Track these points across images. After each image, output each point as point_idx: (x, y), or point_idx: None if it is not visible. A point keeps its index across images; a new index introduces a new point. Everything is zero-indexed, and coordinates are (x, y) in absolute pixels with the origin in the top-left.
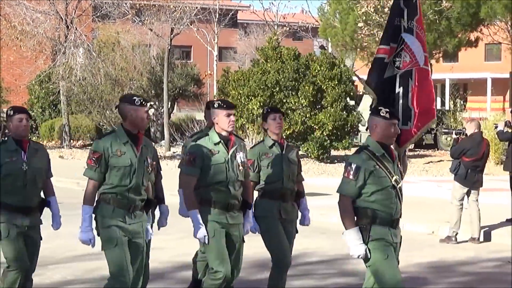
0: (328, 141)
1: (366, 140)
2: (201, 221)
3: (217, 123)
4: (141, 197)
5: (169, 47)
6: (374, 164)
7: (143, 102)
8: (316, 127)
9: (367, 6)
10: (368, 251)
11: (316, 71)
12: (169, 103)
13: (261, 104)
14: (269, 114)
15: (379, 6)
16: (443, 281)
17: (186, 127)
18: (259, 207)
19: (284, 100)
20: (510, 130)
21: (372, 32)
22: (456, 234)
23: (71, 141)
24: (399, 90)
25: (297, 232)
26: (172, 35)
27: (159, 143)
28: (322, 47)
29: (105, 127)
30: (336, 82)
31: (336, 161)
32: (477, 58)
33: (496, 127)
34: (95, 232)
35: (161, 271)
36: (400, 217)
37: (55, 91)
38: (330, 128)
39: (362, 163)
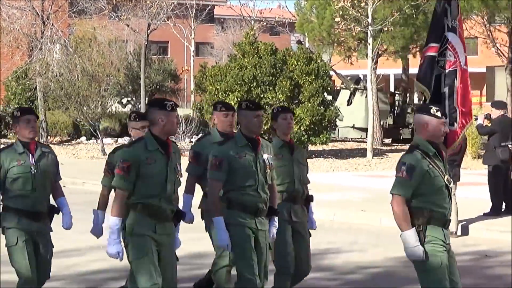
0: (306, 136)
1: (414, 139)
2: (225, 229)
3: (243, 125)
4: (172, 207)
5: (146, 43)
6: (427, 163)
7: (174, 107)
8: (294, 122)
9: (343, 1)
10: (425, 253)
11: (293, 66)
12: (146, 98)
13: (239, 99)
14: (280, 114)
15: (355, 1)
16: None
17: None
18: None
19: (262, 96)
20: (489, 124)
21: (349, 27)
22: None
23: (48, 137)
24: (444, 90)
25: (310, 235)
26: (149, 31)
27: None
28: (299, 42)
29: (82, 123)
30: (313, 77)
31: (313, 156)
32: None
33: (476, 119)
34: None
35: None
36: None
37: (32, 87)
38: (307, 123)
39: (416, 163)
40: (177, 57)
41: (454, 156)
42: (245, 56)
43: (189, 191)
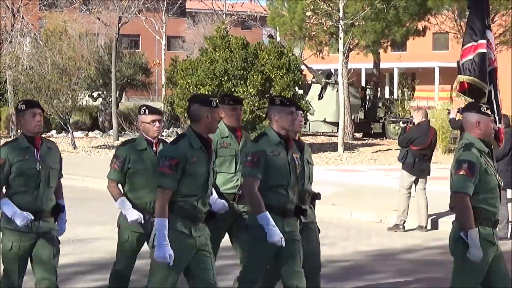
0: None
1: (466, 138)
2: (274, 224)
3: (277, 121)
4: (206, 208)
5: (117, 36)
6: (484, 161)
7: (218, 103)
8: (265, 116)
9: None
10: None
11: (265, 60)
12: (117, 92)
13: (210, 93)
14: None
15: None
16: (390, 268)
17: (135, 116)
18: None
19: (233, 89)
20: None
21: (320, 21)
22: (403, 222)
23: (18, 130)
24: (490, 87)
25: (319, 231)
26: (120, 24)
27: (107, 133)
28: (270, 36)
29: (52, 116)
30: (285, 71)
31: None
32: (425, 48)
33: (449, 113)
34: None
35: (108, 261)
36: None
37: (1, 80)
38: None
39: (476, 160)
40: (148, 51)
41: (424, 151)
42: (216, 50)
43: None
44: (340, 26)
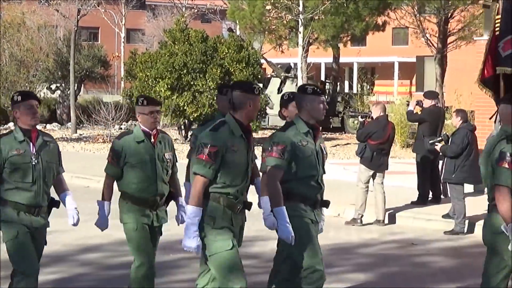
0: None
1: (504, 129)
2: (288, 220)
3: (308, 111)
4: (243, 198)
5: (75, 28)
6: None
7: (260, 90)
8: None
9: None
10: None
11: (224, 53)
12: (76, 84)
13: (169, 86)
14: (291, 102)
15: None
16: (347, 262)
17: (93, 109)
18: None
19: (192, 83)
20: (420, 112)
21: (280, 15)
22: (361, 217)
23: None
24: None
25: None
26: (79, 16)
27: (66, 125)
28: (230, 29)
29: (10, 108)
30: (244, 65)
31: None
32: (384, 42)
33: (408, 104)
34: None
35: (64, 254)
36: None
37: None
38: None
39: None
40: (108, 44)
41: (382, 145)
42: (176, 43)
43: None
44: (300, 20)
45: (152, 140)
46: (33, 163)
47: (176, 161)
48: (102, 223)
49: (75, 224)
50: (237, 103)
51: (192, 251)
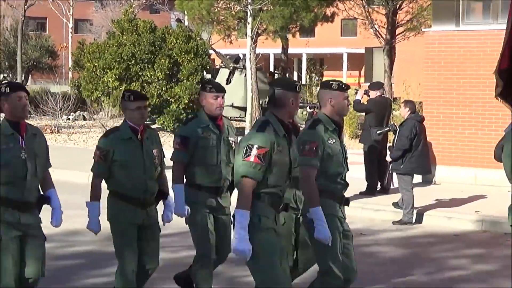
0: (184, 114)
1: None
2: (325, 220)
3: (333, 106)
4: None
5: (23, 18)
6: None
7: (301, 88)
8: (172, 100)
9: None
10: None
11: (172, 44)
12: (23, 75)
13: (117, 77)
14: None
15: None
16: None
17: (41, 99)
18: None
19: (140, 73)
20: (366, 102)
21: (228, 5)
22: None
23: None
24: None
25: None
26: (26, 6)
27: None
28: (178, 20)
29: None
30: (192, 56)
31: None
32: (333, 33)
33: (356, 93)
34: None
35: None
36: None
37: None
38: (186, 101)
39: None
40: (56, 34)
41: None
42: (124, 33)
43: (180, 180)
44: (248, 11)
45: (140, 136)
46: (23, 157)
47: (164, 156)
48: (95, 226)
49: (57, 225)
50: (278, 100)
51: (243, 255)
